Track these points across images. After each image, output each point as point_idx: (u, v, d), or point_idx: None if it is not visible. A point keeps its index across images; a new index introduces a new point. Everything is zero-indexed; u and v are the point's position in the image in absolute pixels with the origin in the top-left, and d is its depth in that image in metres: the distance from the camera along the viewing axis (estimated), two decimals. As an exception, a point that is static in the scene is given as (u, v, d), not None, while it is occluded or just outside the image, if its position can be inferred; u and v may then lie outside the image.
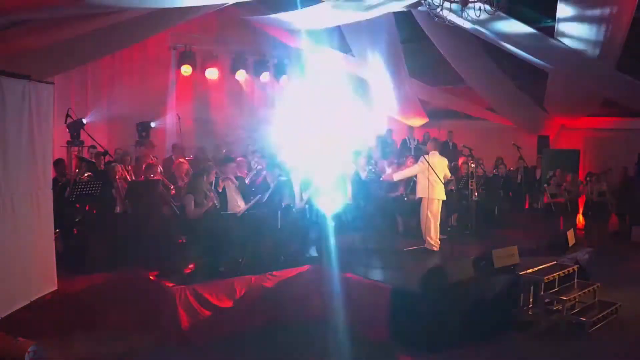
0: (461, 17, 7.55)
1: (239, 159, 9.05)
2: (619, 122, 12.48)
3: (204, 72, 12.20)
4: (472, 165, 9.82)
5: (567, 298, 6.65)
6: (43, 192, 5.62)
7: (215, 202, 7.07)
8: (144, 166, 8.46)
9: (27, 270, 5.38)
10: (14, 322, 5.21)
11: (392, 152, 13.58)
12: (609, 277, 8.28)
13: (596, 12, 8.63)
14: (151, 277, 6.48)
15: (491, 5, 7.25)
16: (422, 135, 13.63)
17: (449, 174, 8.54)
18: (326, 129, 14.23)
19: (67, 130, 10.05)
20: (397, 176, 8.77)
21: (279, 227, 7.37)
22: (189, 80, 12.19)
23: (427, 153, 8.27)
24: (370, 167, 10.31)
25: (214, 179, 7.46)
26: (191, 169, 8.58)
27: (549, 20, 9.48)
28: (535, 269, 7.08)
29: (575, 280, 7.30)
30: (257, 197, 7.23)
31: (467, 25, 8.80)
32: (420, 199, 8.26)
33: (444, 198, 8.24)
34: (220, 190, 7.47)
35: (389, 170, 9.94)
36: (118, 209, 7.56)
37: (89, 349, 5.77)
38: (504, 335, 6.34)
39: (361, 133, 14.39)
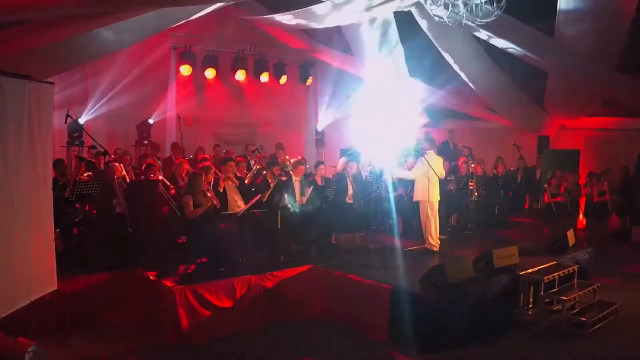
0: (461, 17, 7.54)
1: (238, 159, 9.05)
2: (619, 122, 12.48)
3: (204, 72, 12.20)
4: (472, 165, 9.82)
5: (567, 298, 6.65)
6: (43, 192, 5.61)
7: (215, 202, 7.06)
8: (144, 166, 8.45)
9: (27, 270, 5.36)
10: (14, 322, 5.21)
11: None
12: (609, 277, 8.29)
13: (596, 12, 8.63)
14: (151, 277, 6.48)
15: (491, 5, 7.25)
16: (422, 135, 13.63)
17: (444, 173, 8.54)
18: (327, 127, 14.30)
19: (67, 130, 10.06)
20: (398, 173, 8.76)
21: (279, 227, 7.37)
22: (188, 80, 12.19)
23: (424, 152, 8.27)
24: (371, 167, 10.31)
25: (213, 179, 7.46)
26: (191, 169, 8.58)
27: (549, 20, 9.47)
28: (535, 269, 7.08)
29: (575, 280, 7.30)
30: (257, 197, 7.23)
31: (467, 25, 8.79)
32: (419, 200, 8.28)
33: (439, 198, 8.25)
34: (220, 190, 7.47)
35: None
36: (118, 209, 7.54)
37: (89, 349, 5.78)
38: (504, 335, 6.35)
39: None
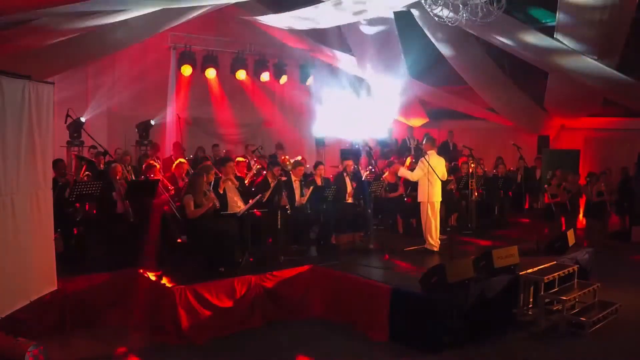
0: (461, 17, 7.54)
1: (238, 158, 9.06)
2: (619, 122, 12.49)
3: (204, 72, 12.21)
4: (472, 165, 9.82)
5: (567, 298, 6.65)
6: (43, 192, 5.61)
7: (215, 202, 7.06)
8: (144, 166, 8.46)
9: (27, 270, 5.37)
10: (14, 322, 5.21)
11: (392, 152, 13.60)
12: (609, 277, 8.28)
13: (596, 12, 8.62)
14: (151, 277, 6.48)
15: (491, 5, 7.25)
16: (422, 135, 13.65)
17: (446, 175, 8.53)
18: (327, 127, 14.31)
19: (67, 130, 10.07)
20: (401, 172, 8.79)
21: (279, 227, 7.37)
22: (189, 80, 12.20)
23: (426, 153, 8.27)
24: (371, 167, 10.32)
25: (213, 179, 7.47)
26: (191, 169, 8.58)
27: (549, 20, 9.47)
28: (535, 269, 7.07)
29: (575, 280, 7.30)
30: (257, 197, 7.23)
31: (467, 25, 8.79)
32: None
33: (440, 199, 8.25)
34: (220, 192, 7.46)
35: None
36: (118, 210, 7.55)
37: (89, 348, 5.78)
38: (504, 335, 6.35)
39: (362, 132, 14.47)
